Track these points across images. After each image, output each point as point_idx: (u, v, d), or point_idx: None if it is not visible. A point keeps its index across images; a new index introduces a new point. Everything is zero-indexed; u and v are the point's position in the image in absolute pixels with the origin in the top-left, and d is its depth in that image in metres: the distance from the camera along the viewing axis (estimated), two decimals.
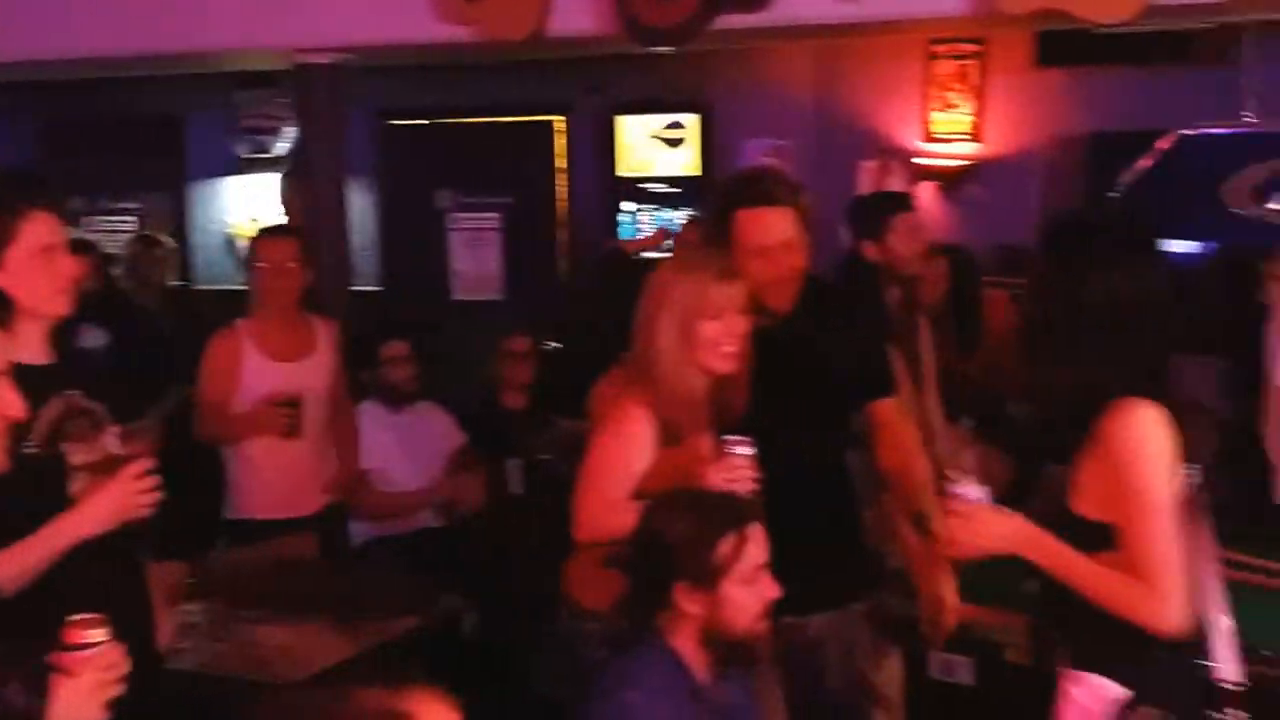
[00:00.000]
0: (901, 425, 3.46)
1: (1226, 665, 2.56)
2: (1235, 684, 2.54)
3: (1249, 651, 3.14)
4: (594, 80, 7.75)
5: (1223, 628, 2.59)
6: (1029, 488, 2.82)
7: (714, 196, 3.36)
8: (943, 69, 7.50)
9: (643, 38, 5.06)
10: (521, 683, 4.13)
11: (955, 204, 7.34)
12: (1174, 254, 5.95)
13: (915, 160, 7.48)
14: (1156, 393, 2.47)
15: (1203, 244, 5.34)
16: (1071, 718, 2.54)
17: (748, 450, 2.84)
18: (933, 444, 3.99)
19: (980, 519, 2.55)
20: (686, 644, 2.61)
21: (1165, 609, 2.42)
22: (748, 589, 2.58)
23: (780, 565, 2.64)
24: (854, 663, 3.38)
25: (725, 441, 2.87)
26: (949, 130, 7.54)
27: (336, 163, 5.77)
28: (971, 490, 2.56)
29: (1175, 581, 2.43)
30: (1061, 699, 2.56)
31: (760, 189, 3.24)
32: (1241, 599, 3.47)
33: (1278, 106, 5.65)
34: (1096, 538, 2.49)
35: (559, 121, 8.18)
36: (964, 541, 2.57)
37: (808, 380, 3.22)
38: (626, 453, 2.94)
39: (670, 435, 2.94)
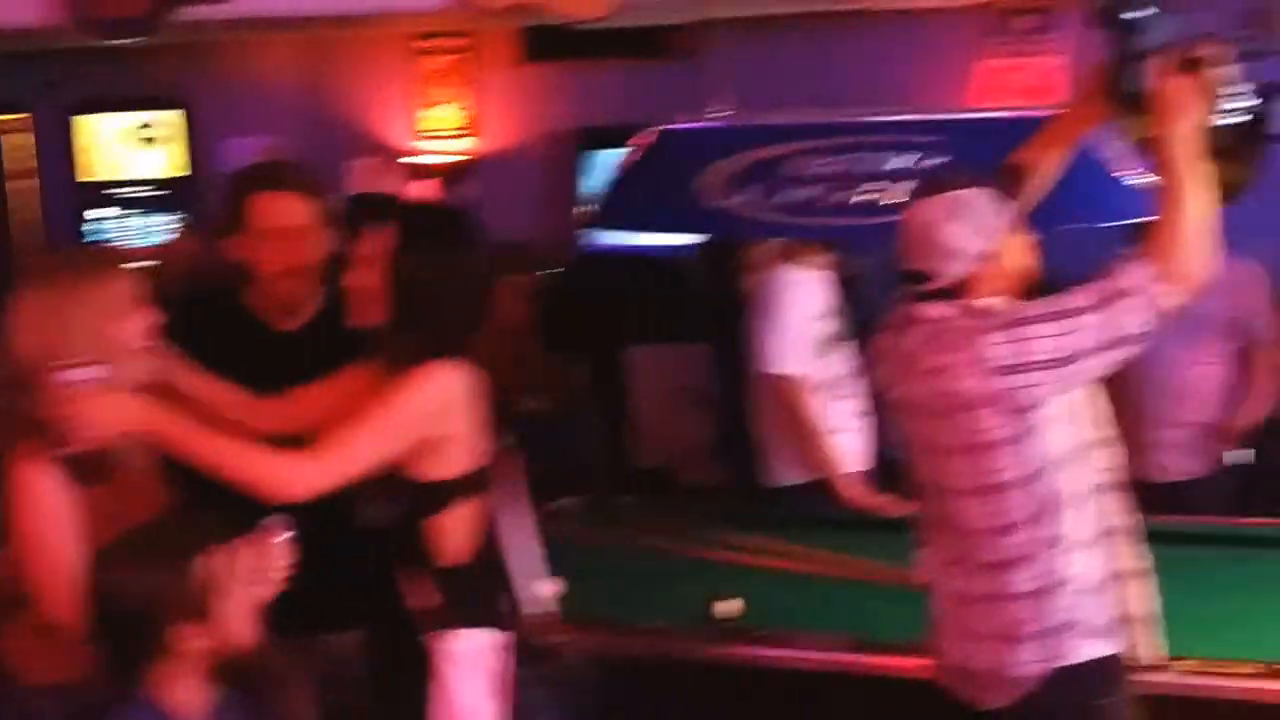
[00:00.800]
0: None
1: (534, 609, 2.75)
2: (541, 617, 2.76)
3: (736, 629, 3.31)
4: (53, 76, 7.16)
5: (530, 578, 2.76)
6: None
7: (229, 184, 3.22)
8: (432, 65, 7.43)
9: (97, 30, 4.76)
10: None
11: (453, 201, 7.27)
12: (665, 246, 6.14)
13: (409, 158, 7.37)
14: (469, 363, 2.62)
15: (684, 236, 5.52)
16: (463, 674, 2.61)
17: (282, 536, 2.60)
18: None
19: (101, 401, 2.45)
20: (181, 688, 2.36)
21: (302, 480, 2.47)
22: (240, 599, 2.37)
23: (309, 583, 2.48)
24: (390, 676, 3.24)
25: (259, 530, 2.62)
26: (442, 127, 7.49)
27: None
28: (80, 373, 2.45)
29: (333, 470, 2.50)
30: (442, 662, 2.62)
31: (275, 174, 3.18)
32: (736, 578, 3.60)
33: (748, 99, 5.91)
34: (436, 497, 2.60)
35: (16, 121, 7.53)
36: (91, 427, 2.44)
37: None
38: (44, 520, 2.59)
39: (93, 471, 2.62)
